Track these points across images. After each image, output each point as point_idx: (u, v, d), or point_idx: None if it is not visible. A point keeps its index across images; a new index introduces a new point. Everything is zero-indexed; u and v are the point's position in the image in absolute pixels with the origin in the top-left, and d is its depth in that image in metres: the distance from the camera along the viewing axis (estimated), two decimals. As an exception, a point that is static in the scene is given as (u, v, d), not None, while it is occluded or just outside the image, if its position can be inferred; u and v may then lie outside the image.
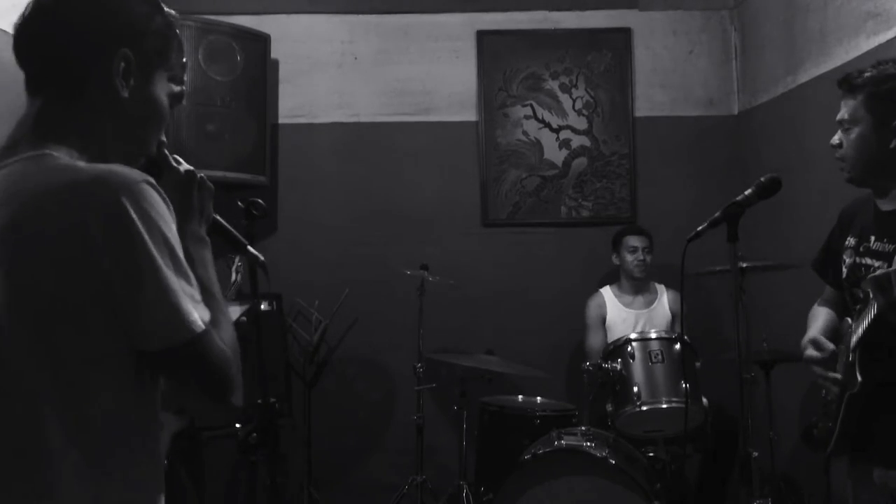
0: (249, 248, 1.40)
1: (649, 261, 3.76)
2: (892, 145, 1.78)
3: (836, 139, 1.89)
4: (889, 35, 2.87)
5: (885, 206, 1.86)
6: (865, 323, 1.74)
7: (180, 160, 1.23)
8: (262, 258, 1.44)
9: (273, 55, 4.03)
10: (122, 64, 1.08)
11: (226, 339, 1.08)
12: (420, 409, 3.61)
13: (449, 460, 3.80)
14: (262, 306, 3.45)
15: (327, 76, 4.26)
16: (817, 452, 2.00)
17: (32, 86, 1.09)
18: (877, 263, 1.81)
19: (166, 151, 1.20)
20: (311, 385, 3.88)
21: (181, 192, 1.19)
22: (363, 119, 4.26)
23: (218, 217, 1.29)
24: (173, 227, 1.02)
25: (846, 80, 1.86)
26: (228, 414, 1.13)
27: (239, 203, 1.58)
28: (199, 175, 1.22)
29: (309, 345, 3.85)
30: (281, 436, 1.61)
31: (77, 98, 1.08)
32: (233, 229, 1.37)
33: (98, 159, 1.07)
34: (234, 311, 2.76)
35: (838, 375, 1.90)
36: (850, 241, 1.94)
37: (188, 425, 2.75)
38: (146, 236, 0.97)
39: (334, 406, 4.03)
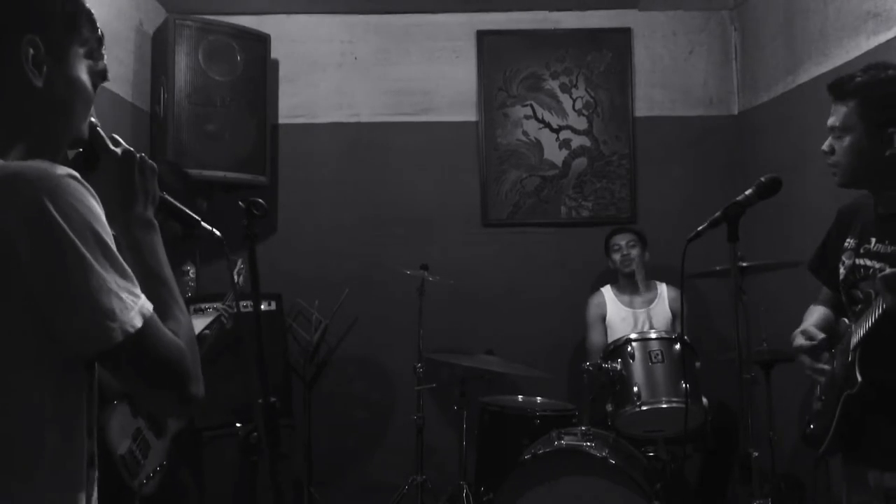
0: (203, 224, 1.35)
1: (635, 254, 3.76)
2: (886, 153, 1.76)
3: (826, 146, 1.87)
4: (889, 35, 2.87)
5: (885, 208, 1.85)
6: (868, 323, 1.73)
7: (119, 140, 1.16)
8: (218, 234, 1.38)
9: (273, 55, 4.03)
10: (30, 51, 1.01)
11: (178, 331, 1.03)
12: (420, 409, 3.61)
13: (449, 460, 3.80)
14: (262, 306, 3.45)
15: (327, 76, 4.26)
16: (812, 450, 1.99)
17: None
18: (877, 265, 1.80)
19: (101, 132, 1.14)
20: (311, 385, 3.88)
21: (122, 175, 1.12)
22: (363, 119, 4.26)
23: (166, 195, 1.23)
24: (102, 218, 0.96)
25: (837, 86, 1.84)
26: (193, 409, 1.04)
27: (239, 203, 1.57)
28: (138, 154, 1.15)
29: (309, 345, 3.85)
30: (281, 436, 1.59)
31: None
32: (182, 207, 1.31)
33: (25, 155, 1.01)
34: (197, 325, 2.74)
35: (826, 366, 1.90)
36: (850, 242, 1.92)
37: (188, 425, 2.76)
38: (71, 234, 0.90)
39: (334, 406, 4.03)
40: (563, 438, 2.92)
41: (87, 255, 0.92)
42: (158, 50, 3.75)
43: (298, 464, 3.83)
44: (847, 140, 1.81)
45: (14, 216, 0.89)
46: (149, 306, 0.99)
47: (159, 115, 3.68)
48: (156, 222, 1.15)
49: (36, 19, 1.03)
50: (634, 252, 3.77)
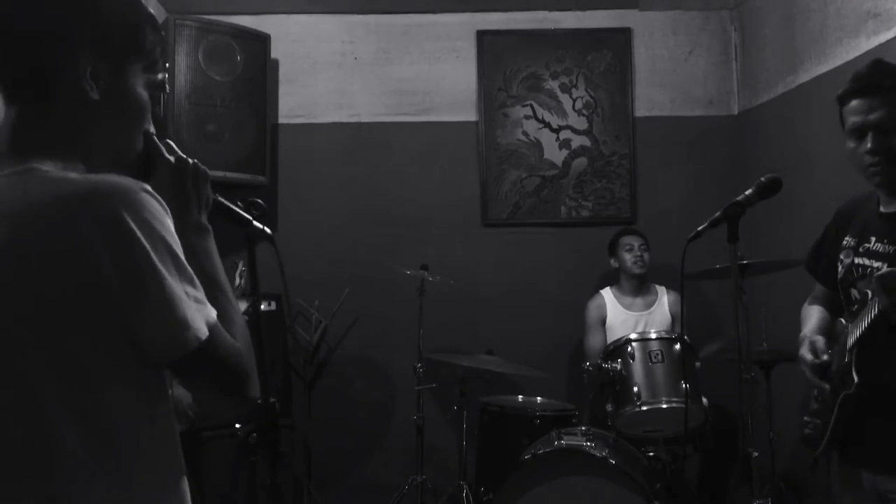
0: (255, 223, 1.39)
1: (647, 258, 3.77)
2: None
3: (872, 144, 1.75)
4: (889, 35, 2.87)
5: (888, 207, 1.84)
6: (864, 323, 1.73)
7: (174, 147, 1.19)
8: (269, 231, 1.42)
9: (273, 55, 4.03)
10: (89, 68, 1.04)
11: (236, 334, 1.07)
12: (420, 409, 3.61)
13: (449, 460, 3.80)
14: (263, 306, 3.45)
15: (327, 76, 4.26)
16: (810, 451, 1.99)
17: (5, 96, 1.06)
18: (876, 264, 1.79)
19: (156, 140, 1.17)
20: (311, 385, 3.88)
21: (176, 182, 1.16)
22: (363, 119, 4.26)
23: (219, 197, 1.26)
24: (172, 230, 1.01)
25: (873, 83, 1.76)
26: (248, 408, 1.10)
27: (239, 203, 1.57)
28: (191, 161, 1.19)
29: (309, 345, 3.85)
30: (281, 436, 1.59)
31: (50, 106, 1.04)
32: (235, 207, 1.35)
33: (86, 165, 1.05)
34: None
35: (827, 385, 1.89)
36: (849, 240, 1.91)
37: (189, 427, 2.75)
38: (148, 247, 0.95)
39: (334, 406, 4.03)
40: (563, 438, 2.92)
41: (162, 268, 0.96)
42: (158, 50, 3.74)
43: (298, 464, 3.83)
44: None
45: (95, 230, 0.93)
46: (213, 314, 1.03)
47: (159, 115, 3.67)
48: (210, 227, 1.18)
49: (96, 35, 1.05)
50: (647, 256, 3.78)
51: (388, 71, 4.27)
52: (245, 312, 2.74)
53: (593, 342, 3.78)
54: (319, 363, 3.93)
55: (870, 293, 1.72)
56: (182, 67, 3.62)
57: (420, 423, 3.59)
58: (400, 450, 3.95)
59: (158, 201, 1.00)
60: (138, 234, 0.94)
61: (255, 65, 3.84)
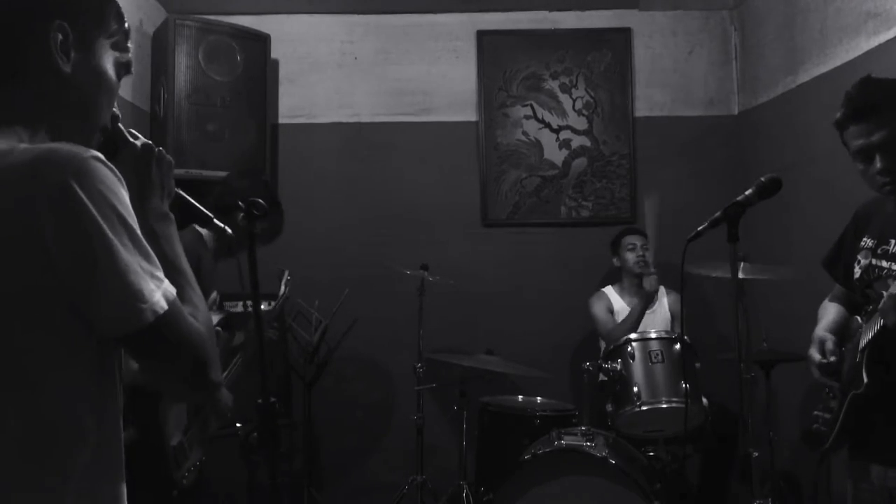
0: (215, 220, 1.36)
1: (648, 257, 3.78)
2: None
3: (879, 165, 1.75)
4: (889, 35, 2.87)
5: None
6: (876, 327, 1.74)
7: (137, 134, 1.18)
8: (229, 231, 1.39)
9: (273, 55, 4.03)
10: (59, 36, 1.02)
11: (197, 315, 1.04)
12: (420, 409, 3.61)
13: (449, 460, 3.80)
14: (263, 306, 3.45)
15: (327, 76, 4.27)
16: (815, 449, 1.99)
17: None
18: (895, 267, 1.80)
19: (121, 126, 1.16)
20: (311, 385, 3.88)
21: (140, 167, 1.14)
22: (363, 119, 4.26)
23: (181, 191, 1.25)
24: (127, 201, 0.97)
25: (868, 104, 1.77)
26: (208, 395, 1.06)
27: (239, 203, 1.57)
28: (157, 149, 1.18)
29: (309, 345, 3.85)
30: (281, 436, 1.59)
31: (18, 81, 1.02)
32: (196, 203, 1.32)
33: (51, 139, 1.03)
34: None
35: (834, 384, 1.90)
36: (867, 241, 1.91)
37: (224, 425, 2.77)
38: (97, 215, 0.91)
39: (334, 406, 4.03)
40: (563, 438, 2.91)
41: (114, 238, 0.92)
42: (158, 50, 3.75)
43: (298, 464, 3.83)
44: None
45: (41, 199, 0.90)
46: (172, 290, 1.00)
47: (159, 115, 3.68)
48: (171, 215, 1.17)
49: (66, 6, 1.05)
50: (649, 255, 3.78)
51: (388, 71, 4.27)
52: (219, 322, 2.74)
53: (610, 323, 3.76)
54: (319, 363, 3.93)
55: (883, 294, 1.72)
56: (182, 67, 3.62)
57: (420, 423, 3.59)
58: (400, 450, 3.95)
59: (111, 170, 0.96)
60: (86, 203, 0.90)
61: (255, 65, 3.84)
